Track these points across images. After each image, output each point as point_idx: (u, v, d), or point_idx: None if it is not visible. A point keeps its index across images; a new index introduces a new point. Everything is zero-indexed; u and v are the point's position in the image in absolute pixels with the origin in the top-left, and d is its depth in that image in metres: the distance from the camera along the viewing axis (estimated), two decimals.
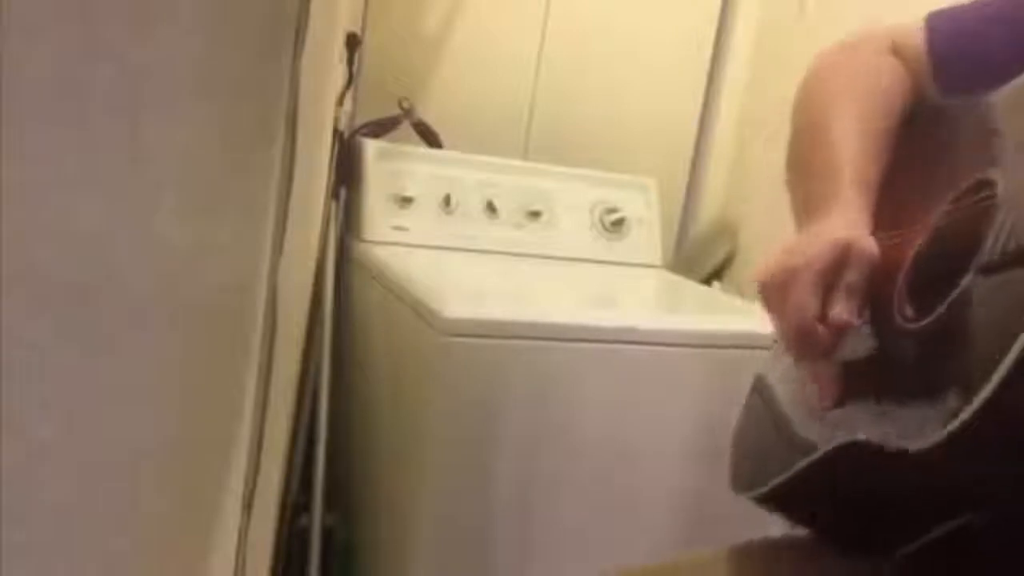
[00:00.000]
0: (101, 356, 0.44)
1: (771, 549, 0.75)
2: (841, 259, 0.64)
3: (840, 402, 0.67)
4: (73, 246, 0.39)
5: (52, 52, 0.35)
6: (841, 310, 0.63)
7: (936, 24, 0.75)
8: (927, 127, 0.73)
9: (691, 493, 1.24)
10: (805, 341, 0.64)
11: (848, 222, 0.66)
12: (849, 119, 0.73)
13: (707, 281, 1.76)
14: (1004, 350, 0.47)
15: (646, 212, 1.68)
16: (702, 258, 1.81)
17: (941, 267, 0.60)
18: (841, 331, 0.63)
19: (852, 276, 0.63)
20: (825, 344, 0.63)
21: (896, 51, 0.76)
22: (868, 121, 0.73)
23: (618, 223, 1.64)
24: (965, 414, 0.49)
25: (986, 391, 0.48)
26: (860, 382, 0.66)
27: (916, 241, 0.65)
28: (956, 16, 0.74)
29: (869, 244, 0.64)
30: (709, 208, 1.84)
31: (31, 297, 0.37)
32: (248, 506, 0.83)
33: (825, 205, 0.68)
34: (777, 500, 0.72)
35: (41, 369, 0.39)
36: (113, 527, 0.49)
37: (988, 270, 0.54)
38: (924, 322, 0.60)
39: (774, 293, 0.66)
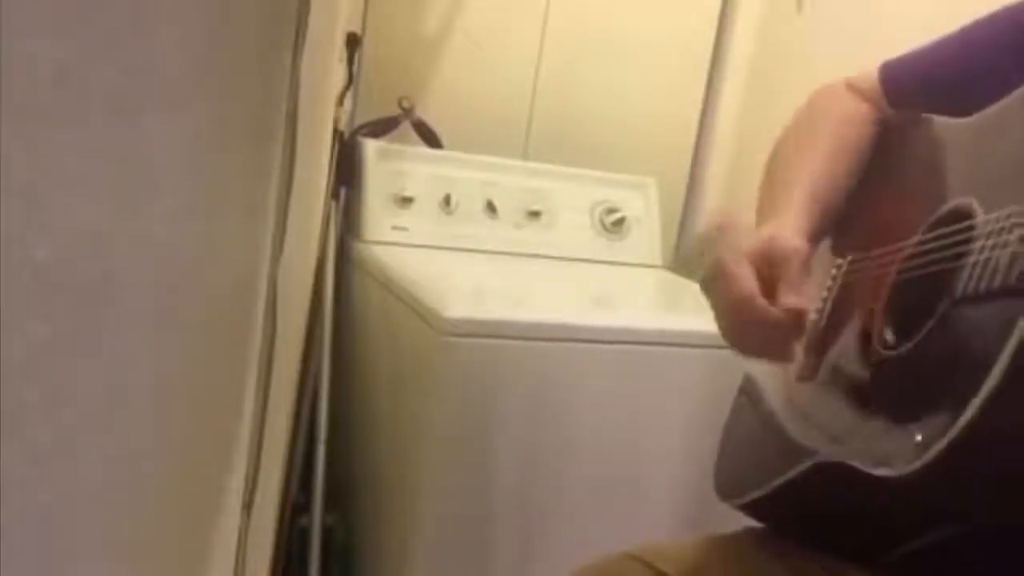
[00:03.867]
0: (101, 356, 0.44)
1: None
2: (765, 249, 0.66)
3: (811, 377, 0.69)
4: (72, 246, 0.39)
5: (52, 52, 0.35)
6: (789, 299, 0.64)
7: (887, 62, 0.81)
8: (908, 147, 0.74)
9: (691, 493, 1.24)
10: (746, 314, 0.65)
11: (782, 225, 0.69)
12: (814, 142, 0.78)
13: None
14: (979, 381, 0.48)
15: (646, 212, 1.68)
16: (702, 258, 1.80)
17: (919, 293, 0.61)
18: (797, 318, 0.64)
19: (780, 269, 0.65)
20: (776, 322, 0.64)
21: (852, 88, 0.82)
22: (833, 144, 0.77)
23: (618, 223, 1.64)
24: (940, 445, 0.49)
25: (961, 422, 0.48)
26: (842, 391, 0.66)
27: (895, 263, 0.66)
28: (905, 55, 0.80)
29: (788, 240, 0.67)
30: (709, 208, 1.84)
31: (31, 297, 0.37)
32: (248, 506, 0.83)
33: (773, 212, 0.72)
34: (757, 510, 0.73)
35: (41, 369, 0.39)
36: (113, 527, 0.49)
37: (964, 302, 0.55)
38: (901, 349, 0.61)
39: (712, 285, 0.68)
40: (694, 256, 1.81)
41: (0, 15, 0.31)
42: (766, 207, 0.75)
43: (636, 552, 0.74)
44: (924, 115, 0.74)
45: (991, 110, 0.64)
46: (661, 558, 0.72)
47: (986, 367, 0.48)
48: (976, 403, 0.48)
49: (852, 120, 0.78)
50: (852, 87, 0.81)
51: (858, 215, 0.76)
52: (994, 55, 0.69)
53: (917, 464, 0.50)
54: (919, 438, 0.51)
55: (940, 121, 0.71)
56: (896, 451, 0.53)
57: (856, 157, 0.76)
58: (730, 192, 1.85)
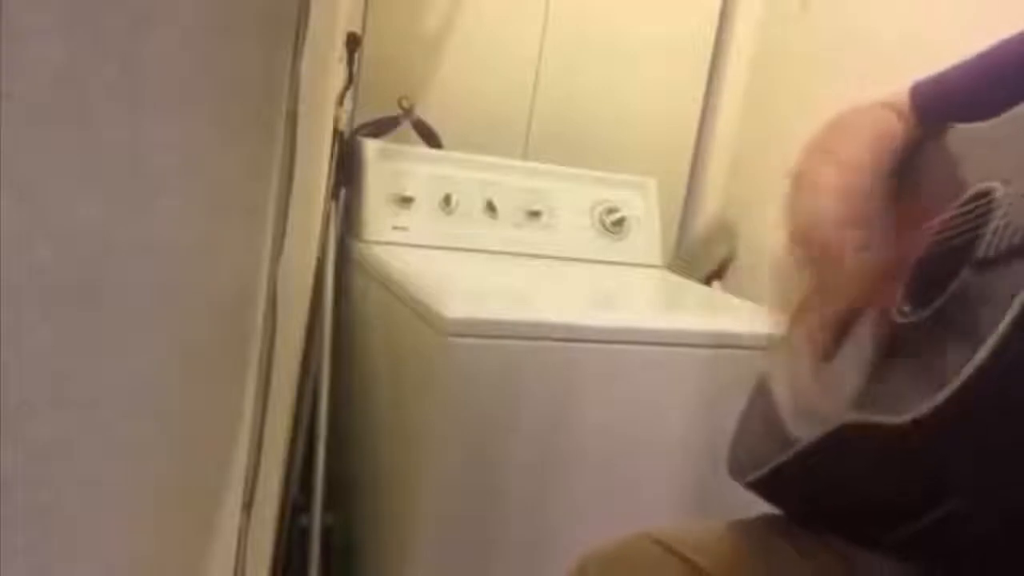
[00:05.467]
0: (101, 356, 0.44)
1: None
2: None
3: (830, 355, 0.69)
4: (73, 246, 0.39)
5: (52, 52, 0.35)
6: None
7: (918, 83, 0.80)
8: (931, 145, 0.75)
9: (691, 493, 1.24)
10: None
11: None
12: (846, 147, 0.77)
13: (707, 281, 1.77)
14: (991, 329, 0.49)
15: (646, 212, 1.68)
16: (702, 258, 1.81)
17: (940, 267, 0.62)
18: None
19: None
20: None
21: (887, 106, 0.81)
22: (866, 146, 0.76)
23: (618, 223, 1.64)
24: (953, 384, 0.50)
25: (972, 365, 0.49)
26: (857, 366, 0.67)
27: (918, 245, 0.67)
28: (937, 75, 0.79)
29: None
30: (709, 208, 1.84)
31: (31, 297, 0.37)
32: (248, 506, 0.83)
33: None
34: (766, 488, 0.73)
35: (41, 369, 0.39)
36: (113, 527, 0.49)
37: (983, 265, 0.56)
38: (922, 315, 0.61)
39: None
40: (693, 256, 1.81)
41: (0, 15, 0.32)
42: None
43: (655, 534, 0.74)
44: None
45: (1016, 109, 0.64)
46: (679, 541, 0.72)
47: (999, 317, 0.49)
48: (988, 344, 0.48)
49: (885, 131, 0.78)
50: (887, 105, 0.81)
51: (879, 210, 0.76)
52: None
53: (930, 405, 0.50)
54: (928, 389, 0.51)
55: (963, 129, 0.72)
56: (913, 403, 0.53)
57: (887, 156, 0.76)
58: (730, 192, 1.85)
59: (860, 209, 0.68)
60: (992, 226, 0.57)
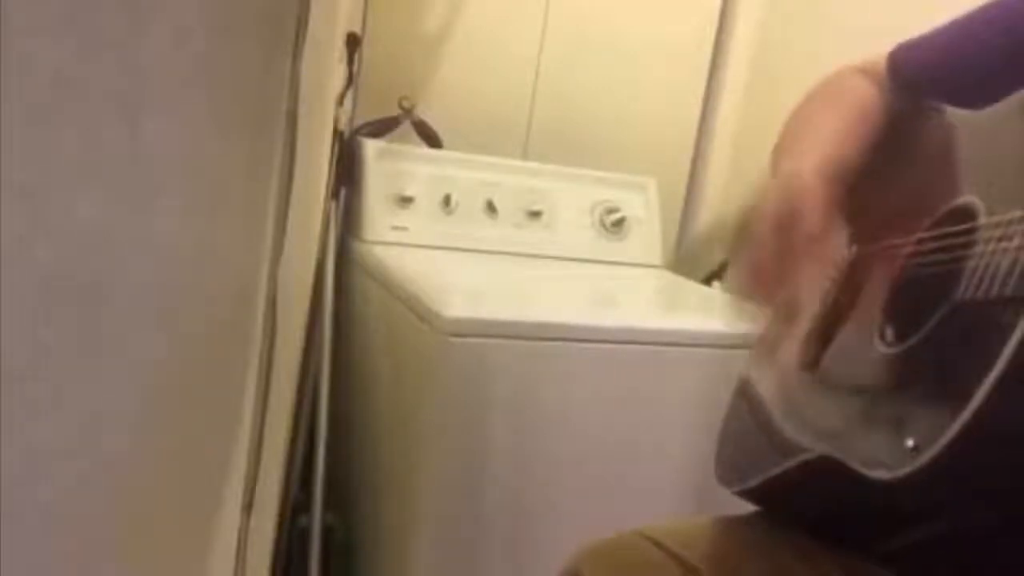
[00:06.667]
0: (101, 356, 0.44)
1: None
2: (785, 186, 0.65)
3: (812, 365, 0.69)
4: (73, 245, 0.39)
5: (52, 52, 0.35)
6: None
7: (896, 47, 0.80)
8: (921, 138, 0.74)
9: (690, 492, 1.24)
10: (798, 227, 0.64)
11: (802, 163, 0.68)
12: (826, 115, 0.77)
13: (707, 281, 1.76)
14: (973, 387, 0.48)
15: (646, 212, 1.68)
16: (702, 258, 1.81)
17: (920, 292, 0.61)
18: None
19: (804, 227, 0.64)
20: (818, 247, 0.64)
21: (864, 72, 0.81)
22: (844, 116, 0.76)
23: (618, 223, 1.64)
24: (932, 450, 0.49)
25: (954, 428, 0.49)
26: (841, 385, 0.67)
27: (900, 258, 0.66)
28: (914, 39, 0.79)
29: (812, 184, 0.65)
30: (709, 208, 1.84)
31: (32, 297, 0.37)
32: (248, 506, 0.83)
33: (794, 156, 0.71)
34: (757, 497, 0.73)
35: (41, 369, 0.39)
36: (113, 527, 0.49)
37: (963, 306, 0.55)
38: (899, 348, 0.61)
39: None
40: (694, 255, 1.81)
41: (0, 15, 0.32)
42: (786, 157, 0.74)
43: (647, 531, 0.74)
44: (936, 106, 0.73)
45: (1001, 105, 0.64)
46: (671, 538, 0.72)
47: (981, 373, 0.48)
48: (971, 407, 0.48)
49: (863, 104, 0.77)
50: (864, 71, 0.80)
51: (867, 204, 0.75)
52: (996, 43, 0.69)
53: (909, 468, 0.50)
54: (911, 442, 0.51)
55: (953, 113, 0.71)
56: (889, 452, 0.53)
57: (867, 140, 0.75)
58: (730, 192, 1.85)
59: (839, 191, 0.67)
60: (971, 264, 0.55)
